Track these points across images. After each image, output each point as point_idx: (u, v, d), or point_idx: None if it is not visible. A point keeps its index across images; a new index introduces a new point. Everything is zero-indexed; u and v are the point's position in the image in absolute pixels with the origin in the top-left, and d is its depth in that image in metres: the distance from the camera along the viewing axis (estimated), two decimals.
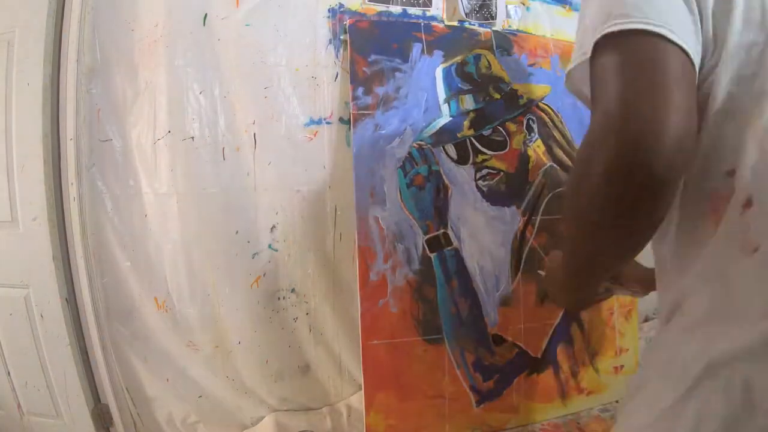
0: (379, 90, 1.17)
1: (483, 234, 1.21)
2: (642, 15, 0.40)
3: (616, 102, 0.38)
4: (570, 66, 0.48)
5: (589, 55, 0.43)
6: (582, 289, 0.62)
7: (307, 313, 1.28)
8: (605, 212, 0.42)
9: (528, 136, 1.26)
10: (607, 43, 0.41)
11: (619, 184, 0.38)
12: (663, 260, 0.52)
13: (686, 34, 0.41)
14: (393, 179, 1.16)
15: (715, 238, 0.44)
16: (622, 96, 0.38)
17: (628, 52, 0.40)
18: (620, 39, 0.40)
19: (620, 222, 0.41)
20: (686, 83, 0.39)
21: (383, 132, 1.16)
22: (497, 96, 1.24)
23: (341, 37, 1.20)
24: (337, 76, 1.22)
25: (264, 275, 1.24)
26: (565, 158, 1.30)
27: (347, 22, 1.18)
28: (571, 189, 0.47)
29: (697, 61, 0.42)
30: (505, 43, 1.29)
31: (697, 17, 0.44)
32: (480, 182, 1.21)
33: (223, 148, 1.19)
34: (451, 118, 1.21)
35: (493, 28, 1.31)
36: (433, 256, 1.18)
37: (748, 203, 0.42)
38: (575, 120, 1.33)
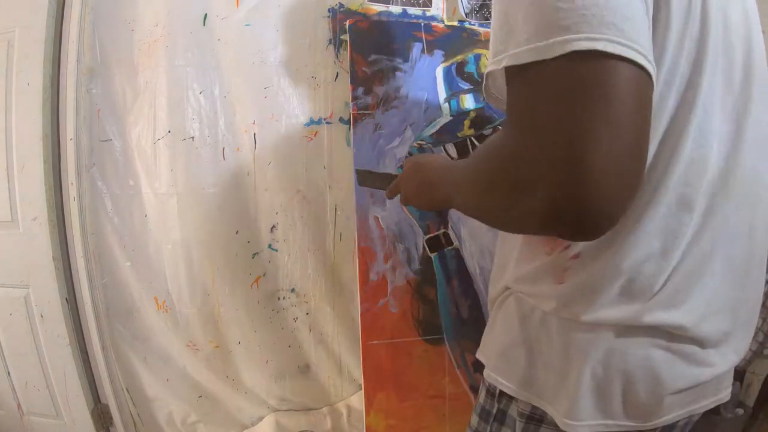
0: (379, 90, 1.16)
1: (483, 234, 1.21)
2: (631, 36, 0.33)
3: (575, 141, 0.32)
4: (501, 60, 0.38)
5: (546, 56, 0.34)
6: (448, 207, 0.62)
7: (307, 313, 1.28)
8: (516, 230, 0.46)
9: None
10: (579, 59, 0.33)
11: (554, 232, 0.36)
12: None
13: (651, 51, 0.36)
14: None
15: None
16: (586, 137, 0.32)
17: (610, 85, 0.32)
18: (598, 61, 0.32)
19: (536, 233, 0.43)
20: (649, 120, 0.35)
21: (383, 132, 1.16)
22: None
23: (341, 37, 1.20)
24: (337, 76, 1.22)
25: (264, 275, 1.24)
26: None
27: (347, 22, 1.18)
28: (482, 186, 0.43)
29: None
30: None
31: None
32: None
33: (223, 148, 1.19)
34: (451, 118, 1.21)
35: None
36: (433, 256, 1.17)
37: None
38: None
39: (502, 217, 0.42)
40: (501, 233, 0.62)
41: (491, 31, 0.41)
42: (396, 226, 1.16)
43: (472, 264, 1.20)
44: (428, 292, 1.17)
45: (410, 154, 1.17)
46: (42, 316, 1.22)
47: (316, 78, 1.21)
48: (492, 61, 0.39)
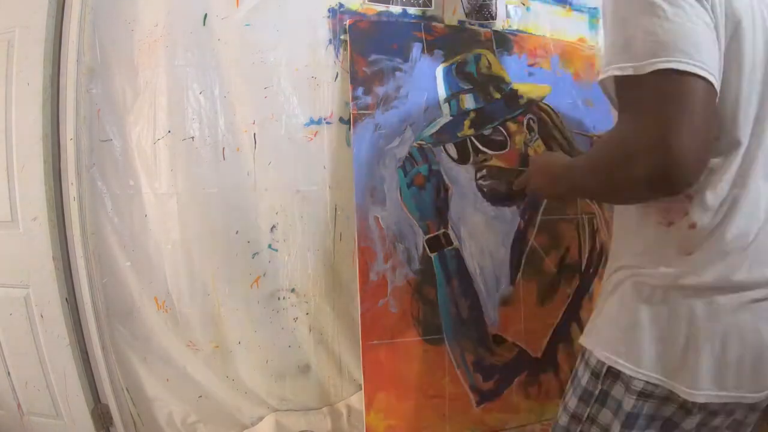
0: (379, 90, 1.16)
1: (483, 234, 1.21)
2: (697, 58, 0.49)
3: (661, 129, 0.49)
4: (610, 70, 0.54)
5: (641, 72, 0.50)
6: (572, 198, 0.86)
7: (307, 313, 1.28)
8: (627, 194, 0.59)
9: (528, 136, 1.26)
10: (663, 74, 0.49)
11: (653, 189, 0.52)
12: None
13: (716, 64, 0.52)
14: (393, 179, 1.16)
15: None
16: (667, 127, 0.48)
17: (683, 92, 0.49)
18: (675, 76, 0.49)
19: (640, 198, 0.59)
20: (712, 113, 0.52)
21: (383, 132, 1.16)
22: (497, 96, 1.24)
23: (341, 37, 1.20)
24: (337, 76, 1.22)
25: (264, 275, 1.24)
26: None
27: (347, 22, 1.18)
28: (601, 166, 0.59)
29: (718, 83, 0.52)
30: (505, 43, 1.29)
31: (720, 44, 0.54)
32: (480, 182, 1.21)
33: (223, 148, 1.19)
34: (451, 118, 1.21)
35: (493, 28, 1.30)
36: (433, 256, 1.17)
37: None
38: (575, 120, 1.33)
39: (616, 187, 0.57)
40: (616, 223, 0.74)
41: (605, 40, 0.58)
42: (396, 226, 1.16)
43: (472, 264, 1.20)
44: (428, 292, 1.17)
45: (410, 153, 1.17)
46: (42, 316, 1.22)
47: (316, 78, 1.21)
48: (605, 68, 0.55)
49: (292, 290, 1.26)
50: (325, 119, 1.22)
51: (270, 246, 1.23)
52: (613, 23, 0.56)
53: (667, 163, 0.48)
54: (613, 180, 0.56)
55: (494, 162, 1.22)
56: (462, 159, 1.21)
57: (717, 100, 0.52)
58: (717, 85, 0.51)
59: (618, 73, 0.53)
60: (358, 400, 1.28)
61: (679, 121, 0.48)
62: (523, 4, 1.36)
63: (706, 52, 0.50)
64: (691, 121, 0.48)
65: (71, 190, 1.16)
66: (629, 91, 0.54)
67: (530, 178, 0.94)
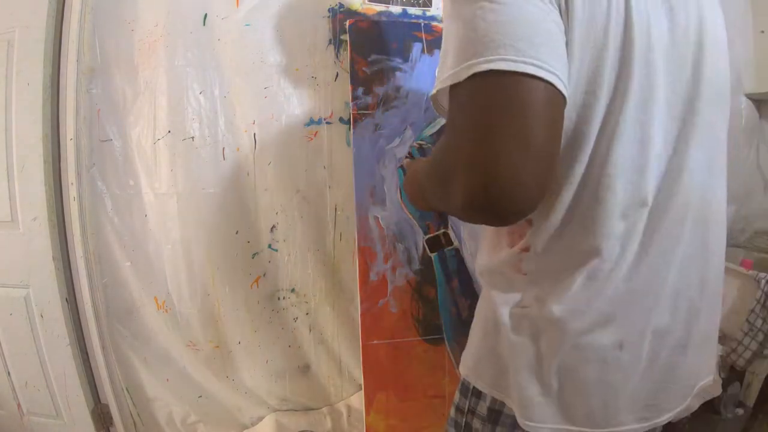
0: (379, 90, 1.16)
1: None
2: (530, 53, 0.37)
3: (479, 146, 0.38)
4: (432, 91, 0.46)
5: (458, 80, 0.40)
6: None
7: (307, 313, 1.28)
8: (450, 210, 0.49)
9: None
10: (483, 78, 0.38)
11: (474, 218, 0.41)
12: None
13: (559, 61, 0.40)
14: (393, 179, 1.16)
15: None
16: (487, 143, 0.37)
17: (509, 98, 0.38)
18: (499, 78, 0.38)
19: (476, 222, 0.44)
20: (554, 123, 0.40)
21: (383, 132, 1.16)
22: None
23: (341, 37, 1.20)
24: (337, 76, 1.22)
25: (264, 275, 1.24)
26: None
27: (347, 22, 1.18)
28: (429, 181, 0.51)
29: (566, 86, 0.41)
30: None
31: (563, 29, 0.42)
32: None
33: (223, 148, 1.19)
34: None
35: None
36: (433, 255, 1.18)
37: None
38: None
39: (441, 205, 0.49)
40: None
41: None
42: (396, 226, 1.16)
43: (472, 264, 1.20)
44: (428, 292, 1.17)
45: (410, 154, 1.17)
46: (42, 316, 1.22)
47: (316, 78, 1.21)
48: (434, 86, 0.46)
49: (292, 290, 1.27)
50: (325, 119, 1.22)
51: (270, 246, 1.23)
52: (444, 29, 0.46)
53: (488, 188, 0.37)
54: (436, 200, 0.48)
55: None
56: None
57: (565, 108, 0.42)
58: (563, 87, 0.39)
59: (439, 87, 0.43)
60: (358, 400, 1.28)
61: (503, 136, 0.37)
62: None
63: (545, 47, 0.39)
64: (523, 136, 0.37)
65: (71, 190, 1.16)
66: (451, 103, 0.43)
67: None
